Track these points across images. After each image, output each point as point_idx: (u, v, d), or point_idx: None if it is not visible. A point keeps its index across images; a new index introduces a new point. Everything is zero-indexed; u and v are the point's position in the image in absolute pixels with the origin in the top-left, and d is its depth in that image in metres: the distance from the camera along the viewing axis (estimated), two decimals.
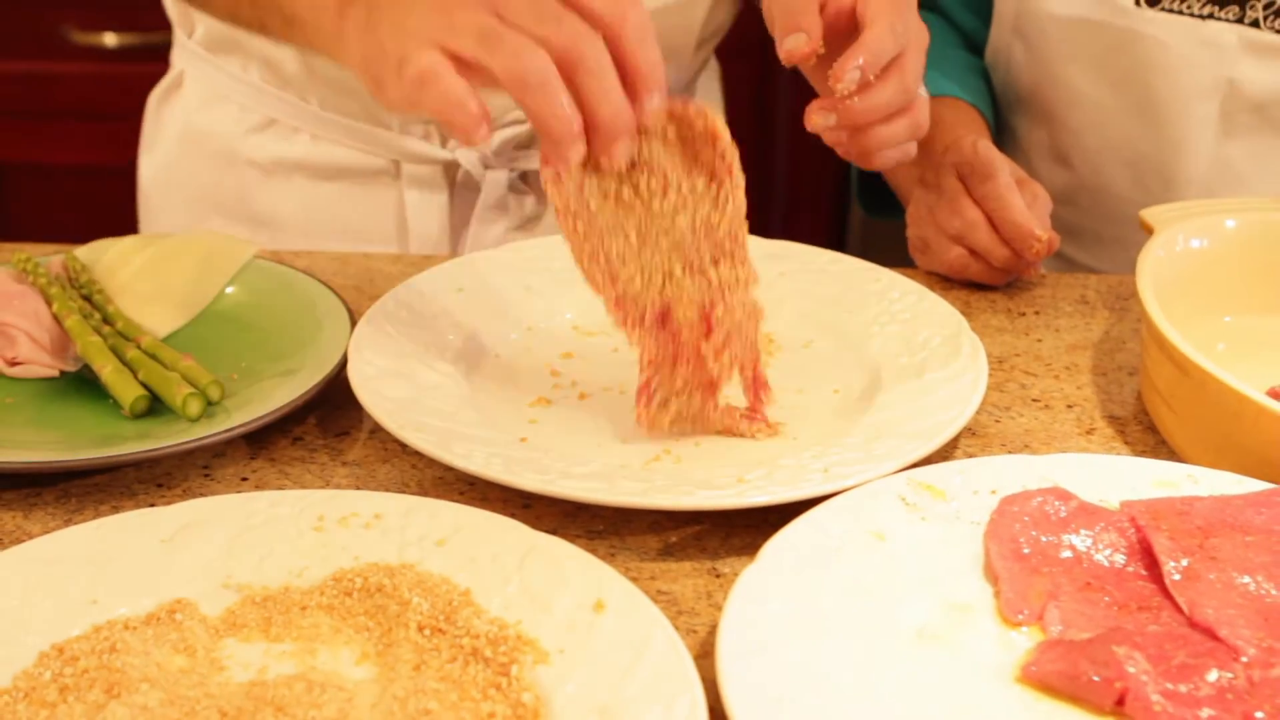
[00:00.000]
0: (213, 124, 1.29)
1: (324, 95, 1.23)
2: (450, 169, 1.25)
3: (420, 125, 1.22)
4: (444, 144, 1.24)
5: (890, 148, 0.95)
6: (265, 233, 1.28)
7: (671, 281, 0.87)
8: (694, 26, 1.25)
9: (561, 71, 0.76)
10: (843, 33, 0.93)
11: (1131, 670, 0.64)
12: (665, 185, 0.86)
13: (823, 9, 0.93)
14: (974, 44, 1.34)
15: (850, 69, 0.90)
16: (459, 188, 1.26)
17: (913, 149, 0.97)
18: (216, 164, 1.30)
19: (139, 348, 0.94)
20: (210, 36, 1.26)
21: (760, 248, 1.09)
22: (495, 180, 1.24)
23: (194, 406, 0.88)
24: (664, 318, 0.87)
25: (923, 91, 0.95)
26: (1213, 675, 0.64)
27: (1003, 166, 1.08)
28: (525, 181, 1.27)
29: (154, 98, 1.38)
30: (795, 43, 0.91)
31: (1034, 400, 0.96)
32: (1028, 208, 1.07)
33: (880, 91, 0.92)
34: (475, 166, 1.23)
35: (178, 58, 1.33)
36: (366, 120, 1.23)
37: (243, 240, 1.09)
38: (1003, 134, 1.33)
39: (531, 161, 1.25)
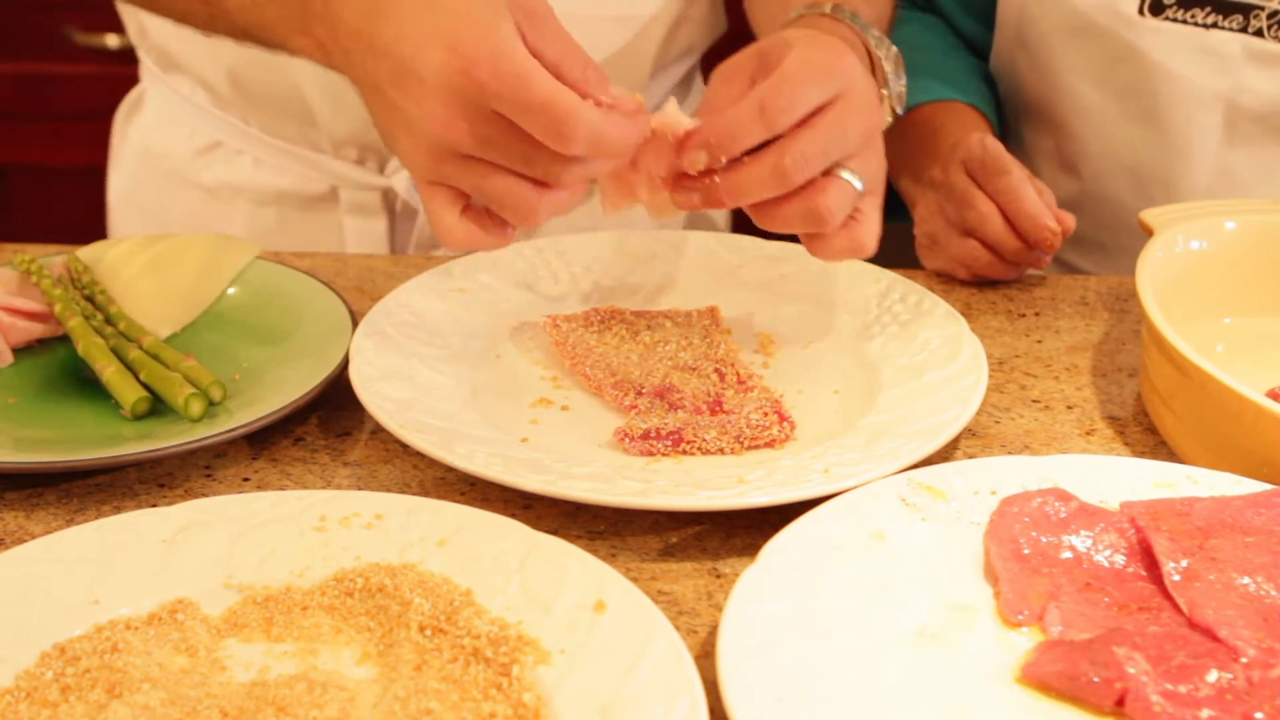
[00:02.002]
0: (166, 143, 1.29)
1: (259, 118, 1.23)
2: (389, 196, 1.24)
3: (355, 150, 1.22)
4: (380, 170, 1.23)
5: (786, 229, 0.87)
6: None
7: (675, 375, 0.93)
8: (646, 49, 1.22)
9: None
10: None
11: (1131, 671, 0.64)
12: (666, 339, 0.97)
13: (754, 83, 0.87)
14: (977, 48, 1.33)
15: (693, 150, 0.83)
16: (398, 215, 1.25)
17: (824, 235, 0.87)
18: (169, 184, 1.31)
19: (141, 348, 0.94)
20: (159, 54, 1.26)
21: (761, 249, 1.10)
22: None
23: (196, 407, 0.88)
24: (664, 391, 0.91)
25: (851, 179, 0.85)
26: (1212, 676, 0.64)
27: (1014, 160, 1.08)
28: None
29: (120, 113, 1.38)
30: (692, 162, 0.84)
31: (1034, 401, 0.96)
32: (1047, 197, 1.07)
33: (742, 171, 0.83)
34: (411, 194, 1.22)
35: (142, 74, 1.33)
36: (302, 144, 1.22)
37: (244, 241, 1.09)
38: (1009, 140, 1.32)
39: None
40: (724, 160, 0.83)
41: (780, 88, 0.82)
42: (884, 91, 0.95)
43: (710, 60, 1.33)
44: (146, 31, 1.25)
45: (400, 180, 1.21)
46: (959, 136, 1.12)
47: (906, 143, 1.21)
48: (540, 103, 0.76)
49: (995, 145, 1.08)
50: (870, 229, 0.87)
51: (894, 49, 0.97)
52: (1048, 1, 1.20)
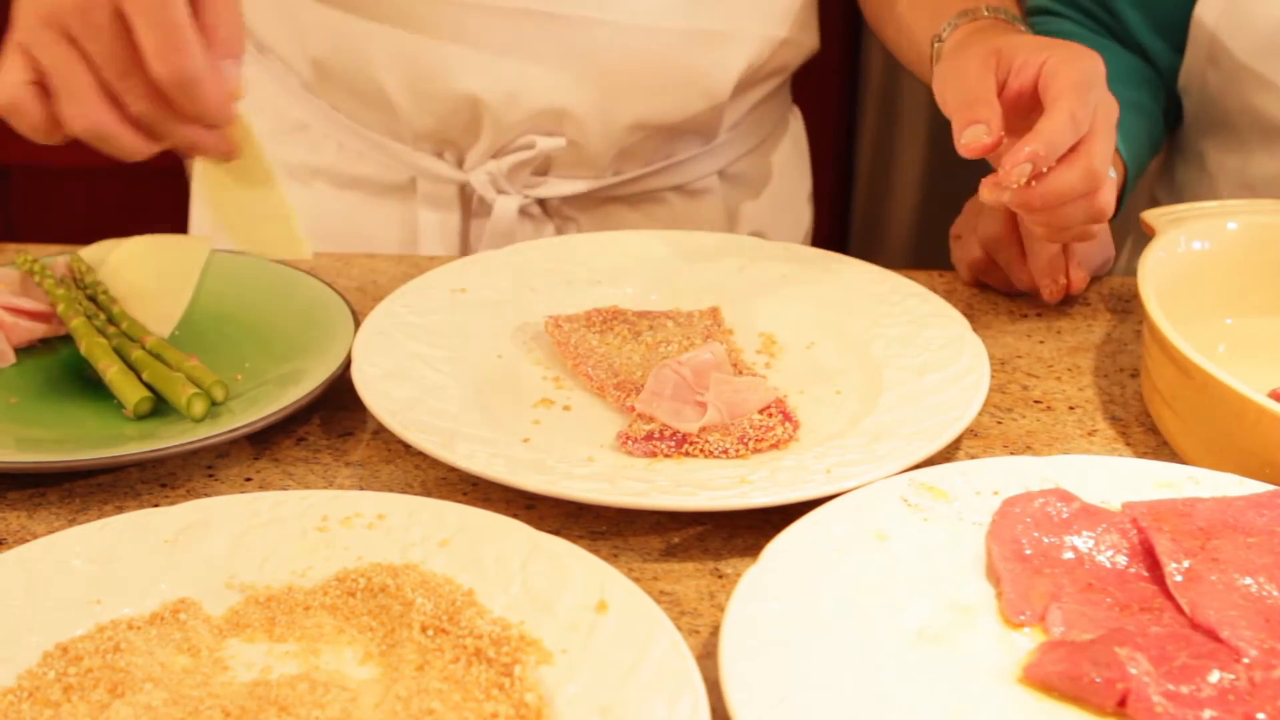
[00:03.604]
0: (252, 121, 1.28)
1: (344, 105, 1.23)
2: (465, 190, 1.23)
3: (433, 143, 1.21)
4: (459, 165, 1.22)
5: (1067, 229, 0.94)
6: None
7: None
8: (731, 66, 1.20)
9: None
10: (1024, 110, 0.92)
11: (1133, 671, 0.64)
12: (668, 339, 0.97)
13: (1002, 88, 0.92)
14: (1159, 67, 1.30)
15: (1021, 162, 0.88)
16: (473, 210, 1.25)
17: (1095, 229, 0.96)
18: None
19: (143, 348, 0.94)
20: (252, 36, 1.26)
21: (763, 249, 1.10)
22: (506, 205, 1.21)
23: (198, 407, 0.88)
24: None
25: (1111, 173, 0.92)
26: (1214, 676, 0.64)
27: None
28: (542, 208, 1.24)
29: None
30: (974, 136, 0.90)
31: (1036, 402, 0.96)
32: (1081, 246, 1.07)
33: (1059, 179, 0.90)
34: (487, 190, 1.21)
35: None
36: (385, 134, 1.22)
37: (198, 237, 1.09)
38: (1189, 160, 1.30)
39: (544, 188, 1.22)
40: (1045, 168, 0.89)
41: (1082, 97, 0.89)
42: None
43: (798, 78, 1.33)
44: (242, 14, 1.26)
45: (478, 176, 1.21)
46: None
47: None
48: (165, 20, 0.78)
49: None
50: (1110, 190, 0.93)
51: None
52: (1243, 22, 1.17)
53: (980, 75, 0.93)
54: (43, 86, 0.81)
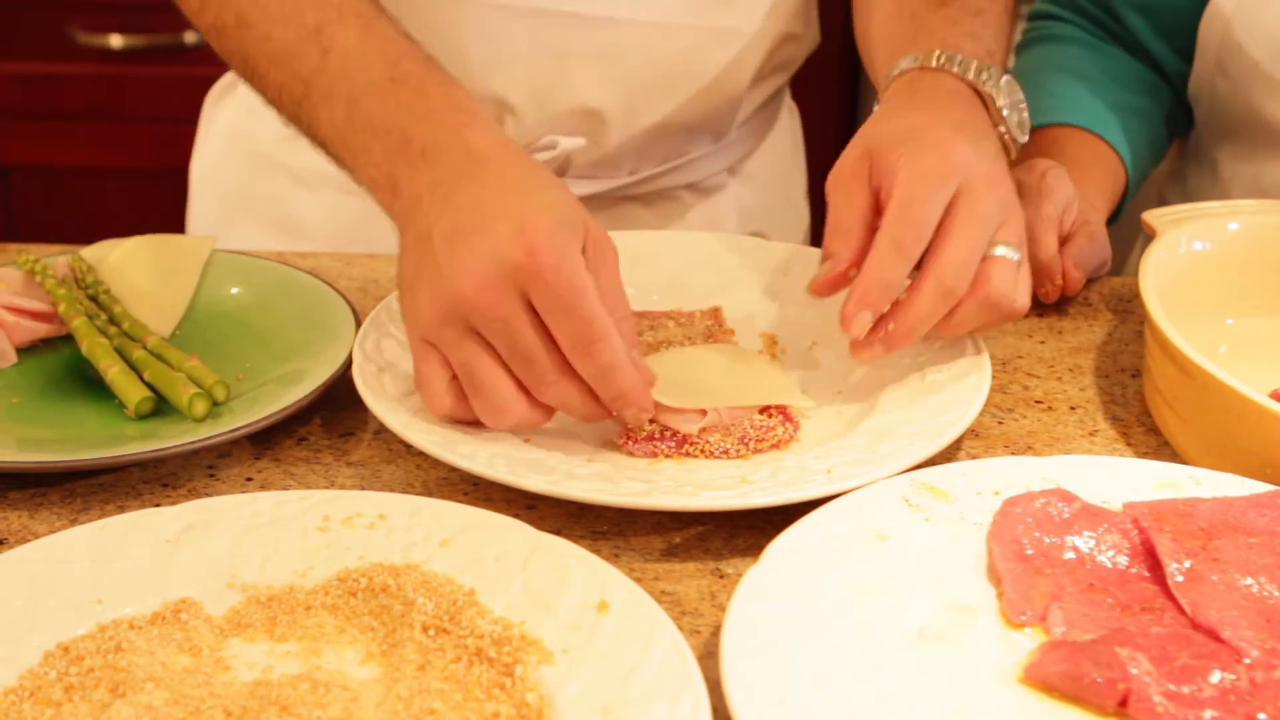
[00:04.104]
0: (257, 127, 1.28)
1: None
2: None
3: None
4: None
5: (988, 324, 0.88)
6: (290, 240, 1.28)
7: None
8: (748, 64, 1.21)
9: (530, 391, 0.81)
10: None
11: (1134, 671, 0.64)
12: (669, 339, 0.97)
13: (878, 201, 0.87)
14: (1165, 74, 1.29)
15: (855, 316, 0.84)
16: None
17: (1013, 316, 0.88)
18: (255, 166, 1.30)
19: (145, 348, 0.94)
20: None
21: (764, 249, 1.10)
22: None
23: (200, 407, 0.88)
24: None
25: (1007, 253, 0.85)
26: (1215, 677, 0.64)
27: (1054, 199, 1.06)
28: None
29: (211, 97, 1.38)
30: (820, 273, 0.87)
31: (1037, 402, 0.96)
32: (1077, 247, 1.07)
33: (912, 309, 0.84)
34: None
35: None
36: None
37: (199, 237, 1.09)
38: (1201, 166, 1.30)
39: None
40: (885, 307, 0.85)
41: (906, 216, 0.84)
42: (1000, 129, 0.93)
43: (798, 74, 1.33)
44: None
45: None
46: (1042, 161, 1.10)
47: (1019, 156, 1.20)
48: (584, 311, 0.78)
49: (1056, 179, 1.07)
50: (1025, 288, 0.88)
51: (1004, 76, 0.94)
52: (1252, 29, 1.17)
53: (848, 191, 0.88)
54: (456, 381, 0.82)
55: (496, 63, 1.14)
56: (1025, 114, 0.95)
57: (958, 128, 0.88)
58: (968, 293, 0.85)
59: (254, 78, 0.97)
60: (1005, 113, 0.93)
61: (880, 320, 0.86)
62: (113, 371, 0.92)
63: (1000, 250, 0.85)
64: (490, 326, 0.78)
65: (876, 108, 0.96)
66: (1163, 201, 1.36)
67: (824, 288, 0.89)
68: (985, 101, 0.93)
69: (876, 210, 0.88)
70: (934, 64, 0.93)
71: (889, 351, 0.87)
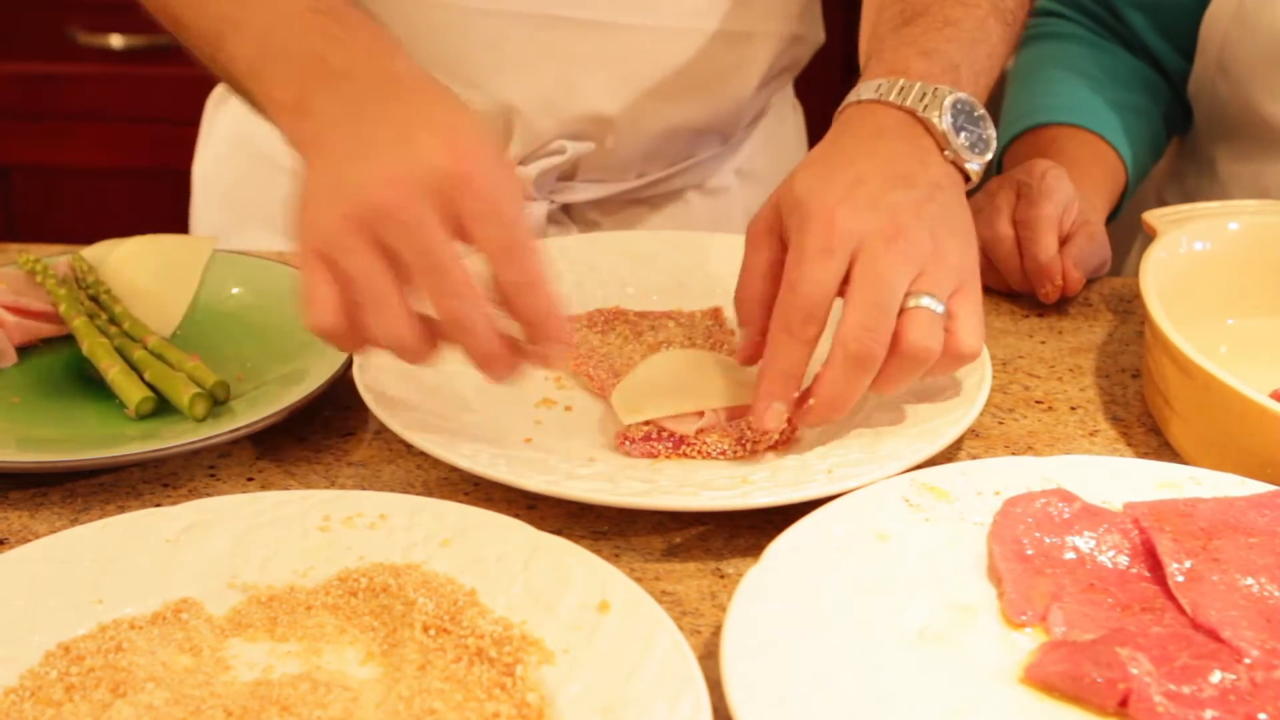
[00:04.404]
0: (259, 129, 1.27)
1: None
2: None
3: None
4: None
5: (904, 385, 0.83)
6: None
7: None
8: (755, 66, 1.20)
9: (442, 320, 0.76)
10: None
11: (1135, 671, 0.64)
12: (669, 339, 0.97)
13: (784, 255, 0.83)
14: (1166, 73, 1.29)
15: (766, 409, 0.81)
16: None
17: (951, 361, 0.82)
18: (257, 168, 1.30)
19: (145, 348, 0.94)
20: None
21: None
22: (534, 212, 1.21)
23: (200, 407, 0.88)
24: None
25: (924, 303, 0.80)
26: (1216, 677, 0.64)
27: (1054, 199, 1.05)
28: (566, 213, 1.24)
29: (212, 100, 1.37)
30: (774, 419, 0.82)
31: (1037, 402, 0.96)
32: (1077, 247, 1.06)
33: (827, 383, 0.80)
34: None
35: None
36: None
37: (200, 237, 1.09)
38: (1200, 166, 1.30)
39: (572, 193, 1.22)
40: (795, 394, 0.82)
41: (792, 301, 0.80)
42: (946, 153, 0.87)
43: (809, 81, 1.33)
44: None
45: None
46: (1041, 162, 1.10)
47: (1018, 156, 1.20)
48: (513, 218, 0.74)
49: (1055, 179, 1.06)
50: (968, 328, 0.82)
51: (953, 96, 0.87)
52: (1254, 30, 1.17)
53: (755, 244, 0.86)
54: (347, 296, 0.75)
55: (503, 69, 1.13)
56: (985, 129, 0.89)
57: (860, 181, 0.82)
58: (888, 351, 0.80)
59: (179, 31, 0.93)
60: (951, 135, 0.86)
61: (802, 396, 0.83)
62: (113, 371, 0.92)
63: (916, 301, 0.80)
64: (401, 232, 0.73)
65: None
66: (1161, 200, 1.36)
67: (750, 360, 0.87)
68: (927, 127, 0.87)
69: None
70: (873, 95, 0.88)
71: (825, 423, 0.84)
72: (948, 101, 0.87)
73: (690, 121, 1.21)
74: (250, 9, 0.85)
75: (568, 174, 1.22)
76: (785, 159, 1.36)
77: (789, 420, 0.87)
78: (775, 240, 0.86)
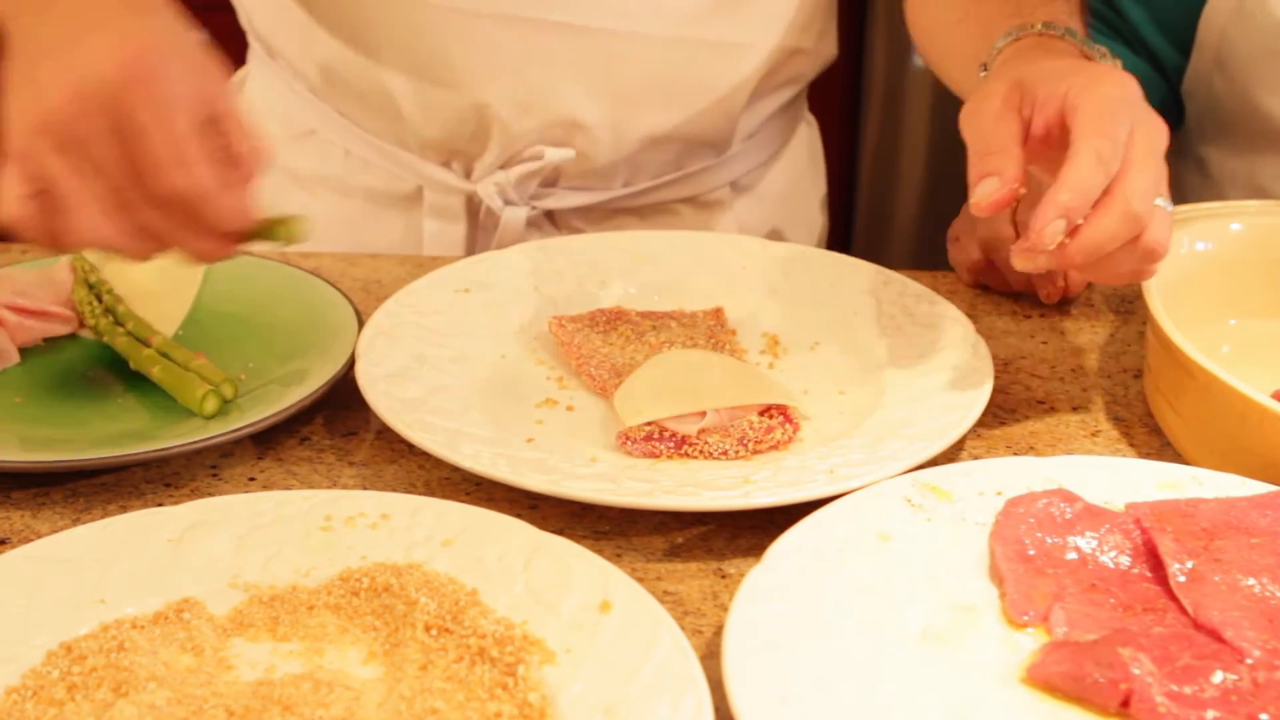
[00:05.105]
0: (261, 127, 1.28)
1: (351, 111, 1.22)
2: (472, 201, 1.21)
3: (441, 153, 1.20)
4: (466, 175, 1.21)
5: (1119, 275, 0.83)
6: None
7: None
8: (744, 78, 1.19)
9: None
10: (1056, 147, 0.83)
11: (1136, 672, 0.64)
12: (671, 339, 0.97)
13: (1027, 132, 0.84)
14: (1164, 68, 1.30)
15: (1051, 220, 0.79)
16: (480, 222, 1.23)
17: (1152, 269, 0.84)
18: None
19: (151, 347, 0.94)
20: (261, 39, 1.25)
21: (766, 250, 1.10)
22: (514, 216, 1.20)
23: (212, 404, 0.89)
24: None
25: (1164, 204, 0.82)
26: (1217, 677, 0.64)
27: None
28: (550, 220, 1.23)
29: None
30: (983, 193, 0.81)
31: (1039, 402, 0.96)
32: None
33: (1096, 228, 0.79)
34: (494, 200, 1.19)
35: (250, 57, 1.31)
36: (391, 141, 1.21)
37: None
38: (1187, 163, 1.28)
39: (553, 199, 1.21)
40: (1080, 219, 0.80)
41: (1103, 130, 0.80)
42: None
43: (814, 87, 1.32)
44: (251, 18, 1.25)
45: (485, 187, 1.19)
46: None
47: None
48: (175, 133, 0.74)
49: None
50: (1161, 225, 0.82)
51: (1114, 58, 0.91)
52: (1251, 25, 1.17)
53: (999, 116, 0.85)
54: (43, 196, 0.76)
55: (480, 70, 1.13)
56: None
57: (1133, 80, 0.85)
58: (1128, 238, 0.81)
59: None
60: (1109, 58, 0.91)
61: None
62: (155, 370, 0.92)
63: (1160, 201, 0.82)
64: (83, 141, 0.74)
65: (985, 72, 0.94)
66: None
67: (995, 206, 0.83)
68: (1085, 54, 0.91)
69: (1027, 139, 0.84)
70: (1055, 32, 0.92)
71: (1058, 267, 0.83)
72: (1111, 60, 0.90)
73: (675, 131, 1.19)
74: None
75: (550, 180, 1.20)
76: (794, 176, 1.33)
77: (791, 422, 0.87)
78: (1015, 114, 0.85)
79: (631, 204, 1.24)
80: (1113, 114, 0.81)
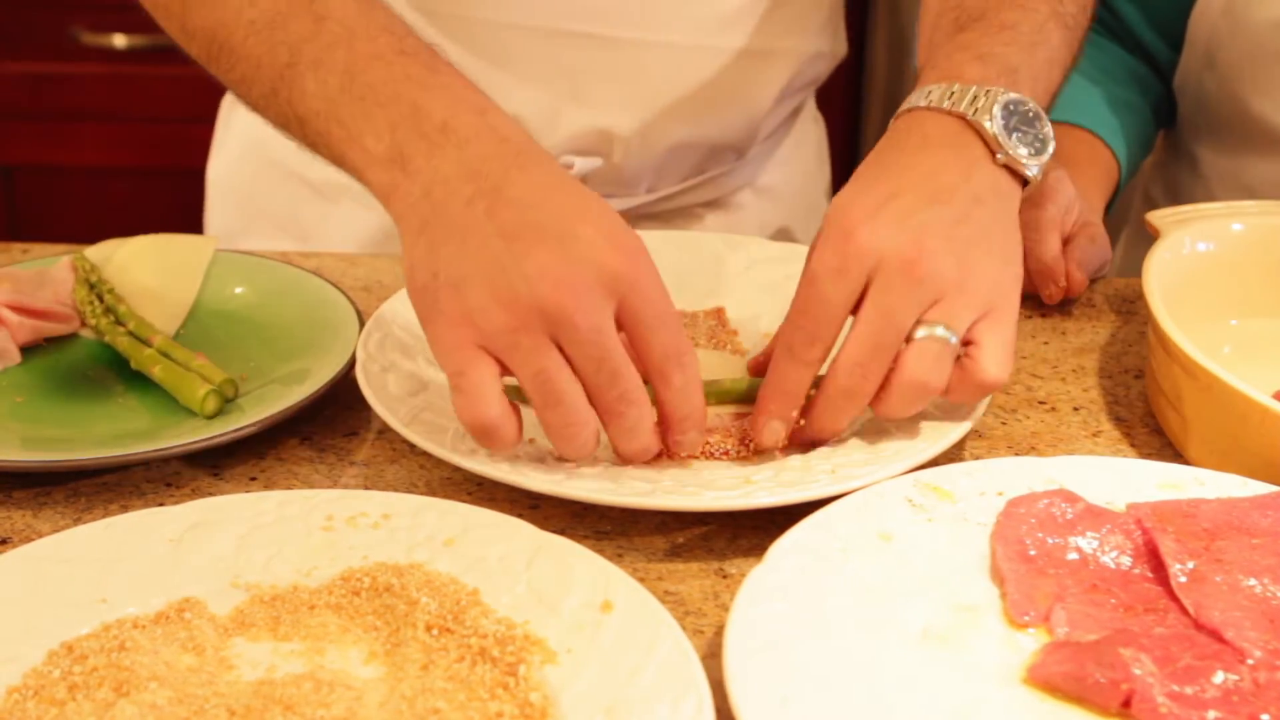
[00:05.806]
0: (273, 134, 1.27)
1: None
2: None
3: None
4: None
5: (909, 413, 0.81)
6: (306, 249, 1.27)
7: None
8: (772, 83, 1.19)
9: (597, 411, 0.77)
10: None
11: (1138, 672, 0.64)
12: None
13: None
14: (1158, 68, 1.29)
15: (765, 427, 0.81)
16: None
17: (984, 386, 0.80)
18: (273, 173, 1.29)
19: (152, 347, 0.94)
20: None
21: (766, 250, 1.10)
22: None
23: (212, 403, 0.89)
24: None
25: (931, 334, 0.78)
26: (1219, 677, 0.64)
27: (1056, 201, 1.05)
28: None
29: (227, 101, 1.36)
30: (770, 436, 0.82)
31: (1040, 402, 0.96)
32: (1079, 248, 1.06)
33: (818, 413, 0.81)
34: None
35: None
36: None
37: (203, 237, 1.09)
38: (1181, 161, 1.30)
39: None
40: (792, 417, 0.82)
41: (798, 320, 0.79)
42: (999, 156, 0.84)
43: (820, 87, 1.32)
44: None
45: None
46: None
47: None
48: (677, 322, 0.75)
49: (1057, 180, 1.06)
50: (992, 357, 0.79)
51: (1007, 97, 0.84)
52: (1242, 24, 1.17)
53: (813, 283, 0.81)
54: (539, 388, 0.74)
55: (510, 81, 1.12)
56: (1041, 128, 0.85)
57: (893, 197, 0.80)
58: (890, 377, 0.79)
59: (223, 54, 0.87)
60: (1003, 138, 0.84)
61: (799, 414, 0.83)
62: (156, 370, 0.92)
63: (923, 331, 0.78)
64: (578, 336, 0.72)
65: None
66: (1146, 195, 1.36)
67: (756, 372, 0.88)
68: (978, 131, 0.84)
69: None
70: (924, 102, 0.86)
71: (813, 448, 0.83)
72: (999, 104, 0.84)
73: (703, 138, 1.19)
74: (328, 45, 0.81)
75: None
76: (804, 174, 1.34)
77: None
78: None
79: (656, 209, 1.23)
80: (817, 296, 0.79)
